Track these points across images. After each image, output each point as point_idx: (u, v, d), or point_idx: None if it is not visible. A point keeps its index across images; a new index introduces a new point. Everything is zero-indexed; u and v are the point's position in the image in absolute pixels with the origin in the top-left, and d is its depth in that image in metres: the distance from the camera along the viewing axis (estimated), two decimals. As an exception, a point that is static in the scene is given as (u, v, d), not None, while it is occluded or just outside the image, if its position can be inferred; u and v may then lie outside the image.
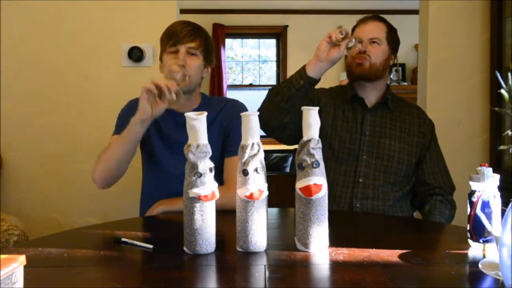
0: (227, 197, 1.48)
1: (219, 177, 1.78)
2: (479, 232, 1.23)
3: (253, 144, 1.23)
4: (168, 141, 1.82)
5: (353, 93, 1.96)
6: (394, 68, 6.11)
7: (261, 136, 1.25)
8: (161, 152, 1.83)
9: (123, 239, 1.33)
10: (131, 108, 1.79)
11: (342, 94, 2.02)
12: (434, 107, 2.68)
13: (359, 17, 2.02)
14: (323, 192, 1.23)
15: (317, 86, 1.87)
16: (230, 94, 6.21)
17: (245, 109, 1.86)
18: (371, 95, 1.97)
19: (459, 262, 1.19)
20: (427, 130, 1.95)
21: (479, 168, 1.23)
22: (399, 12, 5.77)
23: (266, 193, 1.24)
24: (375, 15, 2.00)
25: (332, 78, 5.88)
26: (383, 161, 1.88)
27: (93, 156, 2.66)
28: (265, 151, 1.28)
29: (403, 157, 1.89)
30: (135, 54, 2.65)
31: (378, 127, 1.93)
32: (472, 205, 1.23)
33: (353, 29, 1.99)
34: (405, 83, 6.10)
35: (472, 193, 1.24)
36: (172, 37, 1.76)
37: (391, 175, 1.88)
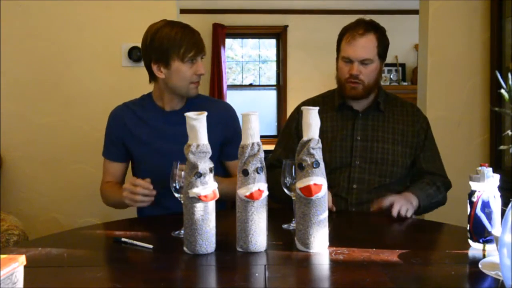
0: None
1: None
2: (479, 232, 1.23)
3: (253, 144, 1.23)
4: (155, 139, 1.83)
5: (342, 101, 1.92)
6: (394, 68, 6.10)
7: (261, 136, 1.25)
8: (148, 153, 1.84)
9: (123, 239, 1.33)
10: (112, 123, 1.89)
11: (329, 102, 1.97)
12: (434, 107, 2.68)
13: (358, 17, 1.94)
14: (323, 192, 1.23)
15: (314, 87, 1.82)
16: (230, 94, 6.21)
17: (233, 110, 1.92)
18: (361, 102, 1.92)
19: (459, 262, 1.19)
20: (421, 128, 1.91)
21: (479, 168, 1.23)
22: (399, 12, 5.76)
23: (266, 193, 1.24)
24: (363, 23, 1.86)
25: (331, 76, 5.86)
26: (377, 165, 1.84)
27: (93, 156, 2.65)
28: (265, 151, 1.28)
29: (398, 159, 1.85)
30: (135, 54, 2.66)
31: (370, 131, 1.88)
32: (472, 205, 1.23)
33: (341, 38, 1.88)
34: (405, 83, 6.09)
35: (472, 193, 1.24)
36: (192, 47, 1.74)
37: (386, 178, 1.85)
